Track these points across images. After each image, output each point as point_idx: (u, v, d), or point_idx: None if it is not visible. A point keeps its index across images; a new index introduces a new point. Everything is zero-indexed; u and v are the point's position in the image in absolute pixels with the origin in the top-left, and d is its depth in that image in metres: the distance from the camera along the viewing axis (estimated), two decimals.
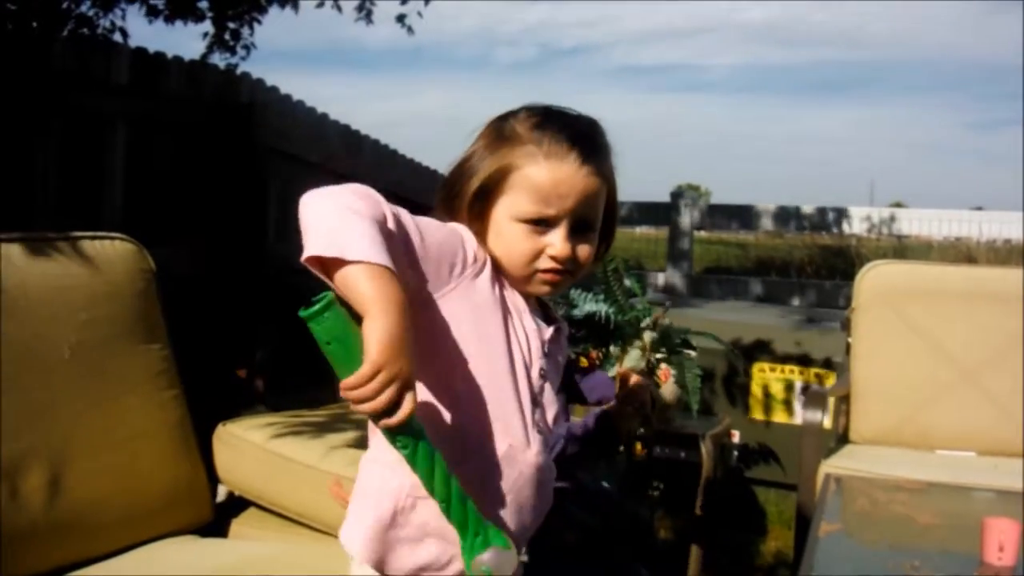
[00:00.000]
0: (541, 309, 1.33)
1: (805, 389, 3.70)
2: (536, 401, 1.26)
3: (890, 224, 7.76)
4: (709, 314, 4.30)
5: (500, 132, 1.25)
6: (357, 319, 1.04)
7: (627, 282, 2.71)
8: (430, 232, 1.16)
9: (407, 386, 1.03)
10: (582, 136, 1.24)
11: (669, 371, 2.79)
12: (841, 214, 7.73)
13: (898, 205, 12.06)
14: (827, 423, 2.87)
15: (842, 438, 3.04)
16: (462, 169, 1.26)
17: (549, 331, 1.30)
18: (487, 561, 1.14)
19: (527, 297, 1.28)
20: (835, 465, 2.63)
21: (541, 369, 1.27)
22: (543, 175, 1.21)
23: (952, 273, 3.25)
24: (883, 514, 2.08)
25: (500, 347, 1.22)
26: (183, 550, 1.81)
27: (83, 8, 4.95)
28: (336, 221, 1.06)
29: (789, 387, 3.78)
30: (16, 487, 1.61)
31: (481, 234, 1.25)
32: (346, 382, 1.02)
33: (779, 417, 3.78)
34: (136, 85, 3.64)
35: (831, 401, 2.97)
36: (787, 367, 3.79)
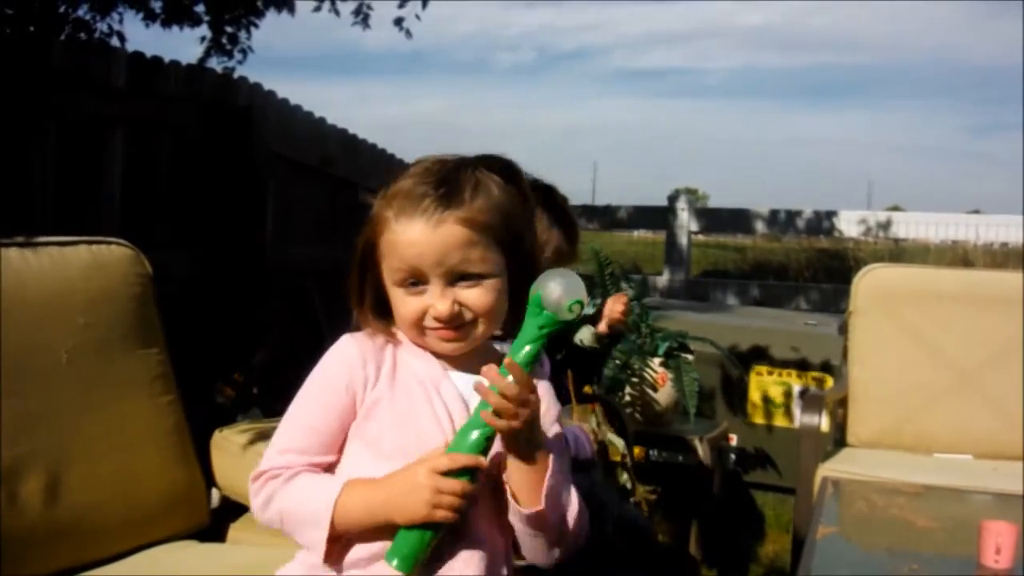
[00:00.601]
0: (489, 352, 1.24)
1: (803, 393, 3.69)
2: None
3: (887, 227, 7.75)
4: (706, 318, 4.29)
5: (381, 196, 1.21)
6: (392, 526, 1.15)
7: (624, 285, 2.72)
8: (319, 402, 1.21)
9: (435, 493, 1.10)
10: (437, 185, 1.16)
11: (667, 375, 2.80)
12: (838, 217, 7.72)
13: (896, 208, 12.09)
14: (825, 427, 2.87)
15: (840, 442, 3.04)
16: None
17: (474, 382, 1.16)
18: (553, 300, 1.10)
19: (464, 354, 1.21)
20: (833, 469, 2.63)
21: None
22: (397, 237, 1.16)
23: (949, 276, 3.25)
24: (881, 517, 2.08)
25: (412, 437, 1.17)
26: (182, 555, 1.81)
27: (80, 12, 4.97)
28: (297, 514, 1.19)
29: (787, 391, 3.78)
30: (14, 492, 1.61)
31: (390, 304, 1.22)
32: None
33: (777, 421, 3.77)
34: (134, 88, 3.63)
35: (829, 404, 2.97)
36: (784, 371, 3.79)
